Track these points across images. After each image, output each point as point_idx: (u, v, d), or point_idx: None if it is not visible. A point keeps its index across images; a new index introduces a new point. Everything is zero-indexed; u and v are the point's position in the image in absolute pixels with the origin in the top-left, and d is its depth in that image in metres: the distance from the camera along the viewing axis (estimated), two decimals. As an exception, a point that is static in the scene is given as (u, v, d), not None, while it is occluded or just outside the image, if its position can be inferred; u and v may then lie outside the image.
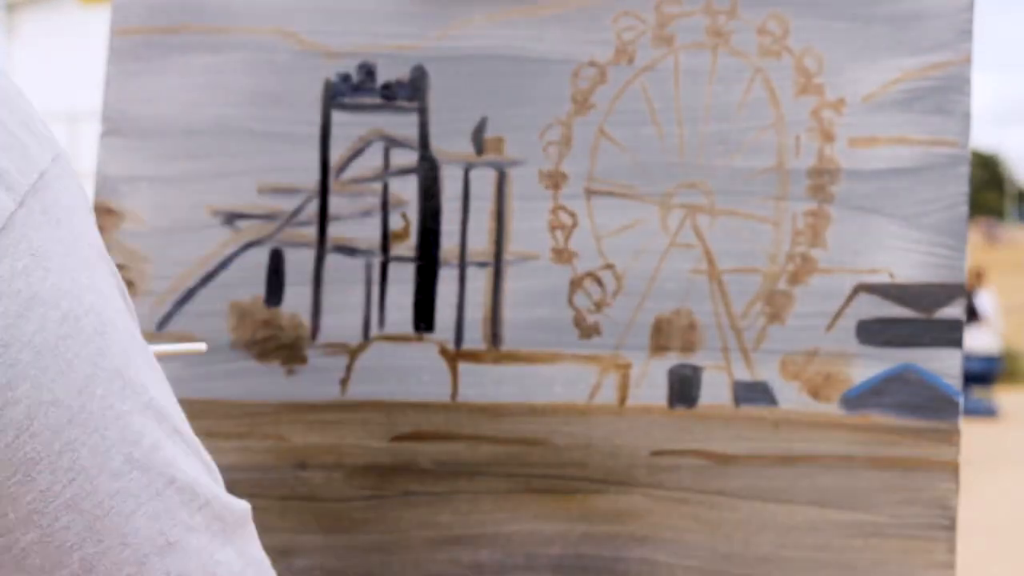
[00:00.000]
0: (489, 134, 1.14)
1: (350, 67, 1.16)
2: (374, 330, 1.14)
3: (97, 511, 0.65)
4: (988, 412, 12.32)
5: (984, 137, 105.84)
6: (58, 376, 0.63)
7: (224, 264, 1.16)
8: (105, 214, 1.18)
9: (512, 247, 1.13)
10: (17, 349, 0.61)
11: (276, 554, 1.14)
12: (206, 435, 1.16)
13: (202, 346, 1.04)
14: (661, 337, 1.10)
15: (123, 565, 0.66)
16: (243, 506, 0.74)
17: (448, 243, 1.14)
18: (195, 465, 0.71)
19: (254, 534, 0.75)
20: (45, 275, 0.63)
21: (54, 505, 0.64)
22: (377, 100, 1.16)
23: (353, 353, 1.14)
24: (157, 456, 0.67)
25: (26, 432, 0.62)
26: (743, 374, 1.09)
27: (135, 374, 0.67)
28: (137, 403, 0.67)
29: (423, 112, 1.15)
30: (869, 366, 1.07)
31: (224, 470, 1.15)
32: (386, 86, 1.16)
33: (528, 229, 1.13)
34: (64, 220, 0.65)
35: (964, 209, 1.07)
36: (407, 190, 1.15)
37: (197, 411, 1.16)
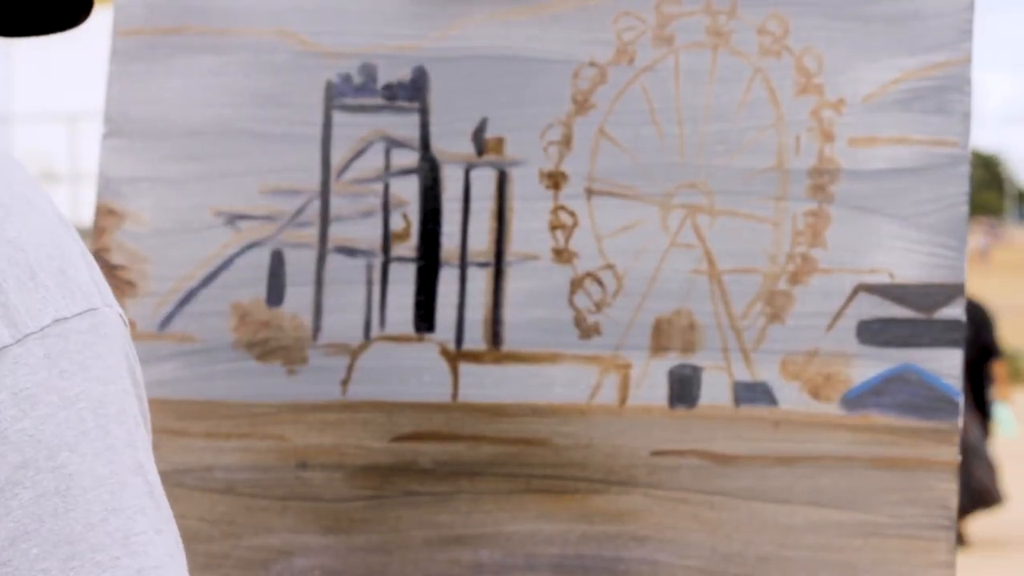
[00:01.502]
0: (489, 134, 1.14)
1: (351, 68, 1.16)
2: (375, 330, 1.14)
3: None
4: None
5: (993, 137, 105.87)
6: (2, 517, 0.62)
7: (225, 265, 1.16)
8: (107, 215, 1.18)
9: (513, 247, 1.13)
10: None
11: (276, 554, 1.14)
12: (206, 435, 1.16)
13: None
14: (661, 337, 1.10)
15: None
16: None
17: (449, 243, 1.14)
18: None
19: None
20: (20, 417, 0.62)
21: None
22: (378, 101, 1.16)
23: (354, 353, 1.14)
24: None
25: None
26: (743, 374, 1.09)
27: (94, 536, 0.63)
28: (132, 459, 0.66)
29: (424, 113, 1.15)
30: (869, 366, 1.07)
31: (225, 470, 1.16)
32: (387, 87, 1.16)
33: (528, 229, 1.13)
34: (73, 373, 0.64)
35: (964, 209, 1.07)
36: (408, 191, 1.15)
37: (198, 411, 1.16)
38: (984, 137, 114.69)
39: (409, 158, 1.15)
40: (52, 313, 0.64)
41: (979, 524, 7.05)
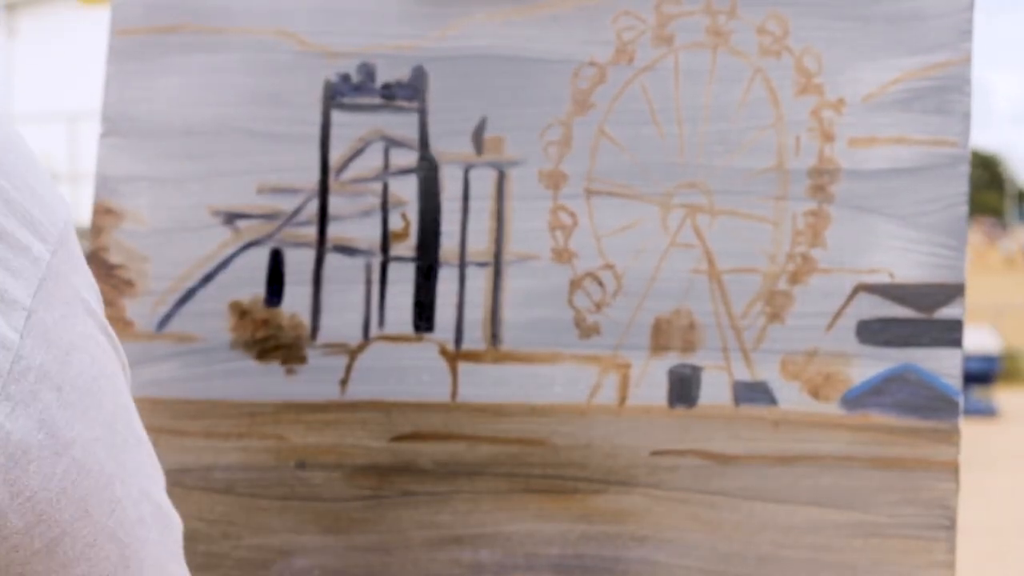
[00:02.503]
0: (489, 134, 1.14)
1: (350, 67, 1.16)
2: (374, 330, 1.14)
3: (127, 539, 0.68)
4: (988, 412, 12.32)
5: (998, 136, 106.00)
6: (96, 415, 0.65)
7: (224, 264, 1.16)
8: (105, 214, 1.18)
9: (512, 247, 1.13)
10: (68, 391, 0.63)
11: (276, 554, 1.14)
12: (205, 434, 1.16)
13: None
14: (661, 337, 1.10)
15: None
16: (180, 524, 0.78)
17: (448, 243, 1.14)
18: (154, 528, 0.73)
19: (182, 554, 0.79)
20: (75, 323, 0.65)
21: (101, 537, 0.66)
22: (377, 100, 1.16)
23: (353, 353, 1.14)
24: (151, 484, 0.71)
25: (83, 470, 0.65)
26: (743, 374, 1.09)
27: (132, 405, 0.70)
28: (136, 435, 0.70)
29: (423, 112, 1.15)
30: (869, 366, 1.07)
31: (224, 470, 1.16)
32: (386, 86, 1.16)
33: (528, 229, 1.13)
34: (80, 266, 0.67)
35: (964, 209, 1.07)
36: (407, 190, 1.15)
37: (197, 411, 1.16)
38: (990, 136, 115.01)
39: (408, 158, 1.15)
40: (60, 222, 0.66)
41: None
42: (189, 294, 1.17)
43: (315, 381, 1.14)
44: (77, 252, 0.68)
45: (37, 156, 0.69)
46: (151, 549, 0.70)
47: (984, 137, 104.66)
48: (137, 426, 0.70)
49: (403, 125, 1.15)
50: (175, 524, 0.76)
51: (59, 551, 0.64)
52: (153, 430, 1.16)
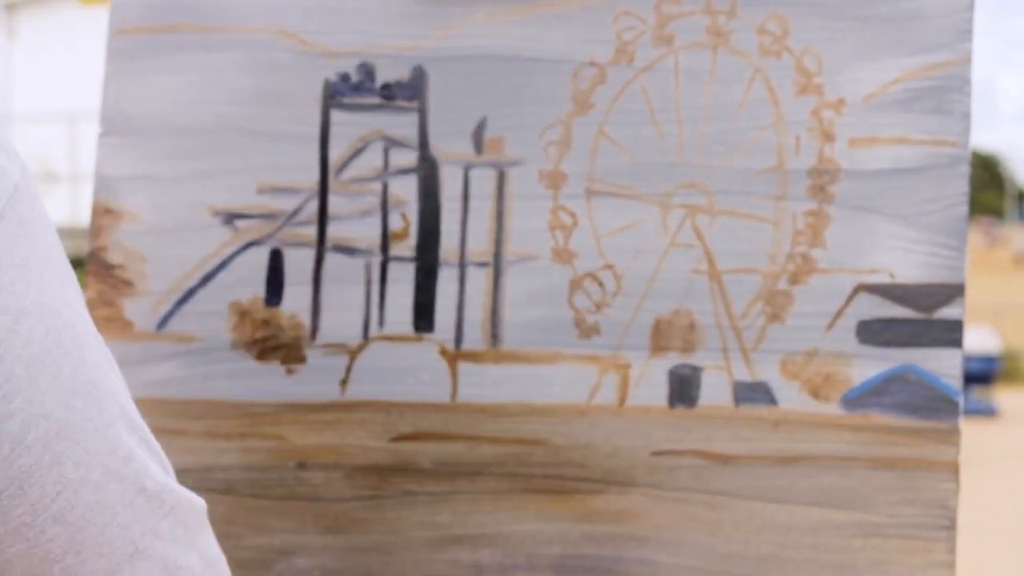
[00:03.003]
0: (489, 134, 1.14)
1: (349, 67, 1.16)
2: (374, 330, 1.14)
3: (79, 523, 0.66)
4: (988, 412, 12.32)
5: (1003, 135, 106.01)
6: (47, 389, 0.64)
7: (224, 264, 1.16)
8: (104, 214, 1.18)
9: (512, 247, 1.13)
10: (11, 362, 0.62)
11: (276, 554, 1.14)
12: (205, 435, 1.16)
13: None
14: (661, 337, 1.10)
15: (98, 573, 0.67)
16: (201, 505, 0.75)
17: (448, 243, 1.14)
18: (159, 473, 0.71)
19: (211, 532, 0.76)
20: (27, 289, 0.64)
21: (42, 518, 0.64)
22: (377, 100, 1.16)
23: (353, 353, 1.14)
24: (130, 467, 0.69)
25: (21, 445, 0.63)
26: (743, 374, 1.09)
27: (108, 384, 0.68)
28: (112, 414, 0.68)
29: (423, 112, 1.15)
30: (869, 366, 1.07)
31: (224, 470, 1.16)
32: (386, 86, 1.16)
33: (528, 229, 1.13)
34: (38, 234, 0.66)
35: (964, 209, 1.07)
36: (407, 190, 1.15)
37: (197, 411, 1.16)
38: (994, 135, 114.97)
39: (408, 157, 1.15)
40: (11, 180, 0.65)
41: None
42: (189, 294, 1.17)
43: (315, 381, 1.14)
44: (36, 220, 0.66)
45: None
46: (115, 534, 0.67)
47: (988, 136, 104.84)
48: (113, 406, 0.68)
49: (403, 125, 1.15)
50: (181, 506, 0.73)
51: None
52: (153, 430, 1.16)
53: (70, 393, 0.65)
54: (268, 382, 1.15)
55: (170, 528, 0.71)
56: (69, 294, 0.67)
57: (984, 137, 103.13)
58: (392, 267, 1.14)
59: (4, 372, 0.62)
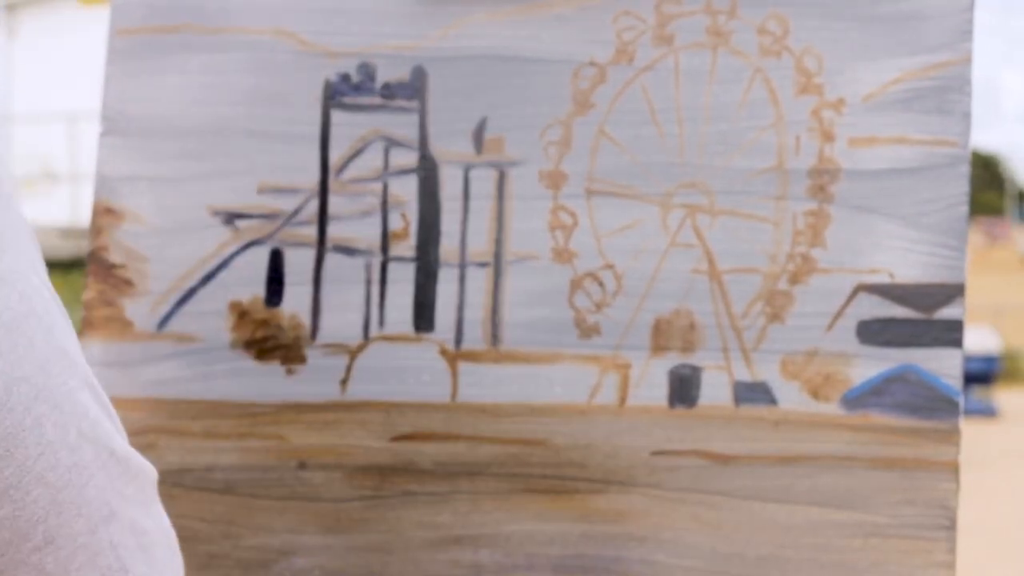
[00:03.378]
0: (489, 134, 1.14)
1: (350, 67, 1.16)
2: (374, 330, 1.14)
3: (59, 483, 0.67)
4: (988, 412, 12.32)
5: (1007, 134, 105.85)
6: (24, 353, 0.65)
7: (224, 264, 1.16)
8: (105, 214, 1.18)
9: (512, 247, 1.13)
10: None
11: (276, 554, 1.14)
12: (205, 434, 1.16)
13: None
14: (661, 337, 1.10)
15: (77, 535, 0.69)
16: (154, 473, 0.77)
17: (448, 243, 1.14)
18: (120, 436, 0.73)
19: (159, 502, 0.77)
20: (1, 256, 0.65)
21: (27, 479, 0.65)
22: (377, 100, 1.16)
23: (353, 353, 1.14)
24: (99, 429, 0.70)
25: (4, 407, 0.64)
26: (743, 374, 1.09)
27: (74, 350, 0.70)
28: (80, 380, 0.69)
29: (423, 112, 1.15)
30: (869, 366, 1.07)
31: (224, 470, 1.16)
32: (386, 86, 1.16)
33: (528, 229, 1.13)
34: (5, 206, 0.67)
35: (964, 209, 1.07)
36: (407, 190, 1.15)
37: (197, 411, 1.16)
38: (997, 135, 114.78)
39: (408, 157, 1.15)
40: None
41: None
42: (189, 294, 1.17)
43: (315, 381, 1.14)
44: (6, 190, 0.68)
45: None
46: (92, 495, 0.69)
47: (991, 136, 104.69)
48: (80, 371, 0.70)
49: (403, 125, 1.15)
50: (142, 472, 0.75)
51: None
52: (153, 430, 1.17)
53: (45, 357, 0.66)
54: (268, 382, 1.15)
55: (134, 492, 0.73)
56: (36, 263, 0.69)
57: (987, 137, 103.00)
58: (392, 267, 1.14)
59: None
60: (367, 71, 1.16)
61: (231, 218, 1.17)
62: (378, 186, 1.15)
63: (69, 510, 0.68)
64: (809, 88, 1.10)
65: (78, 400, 0.69)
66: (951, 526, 1.05)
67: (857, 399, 1.07)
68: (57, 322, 0.69)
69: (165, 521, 0.78)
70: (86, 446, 0.69)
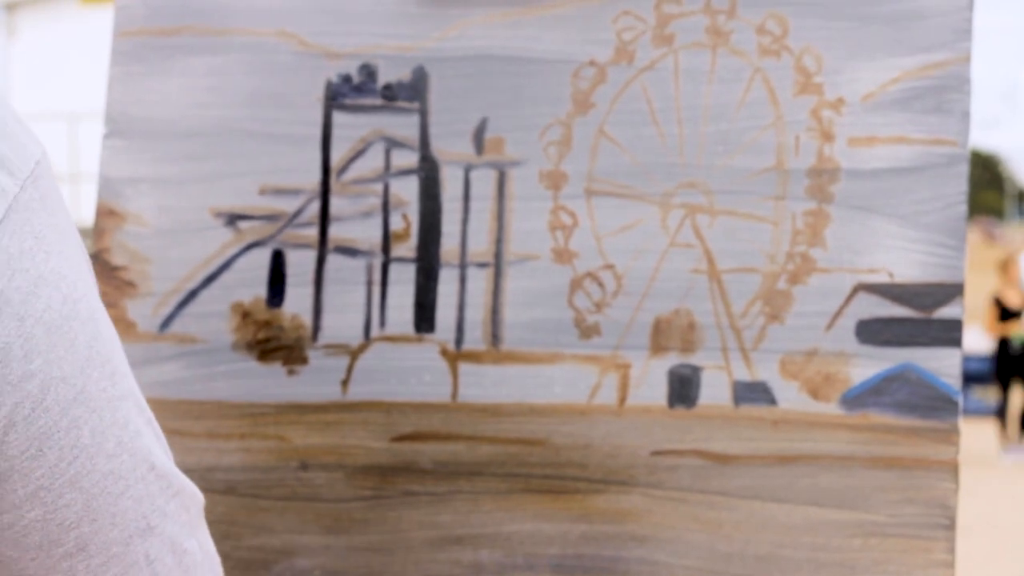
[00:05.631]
0: (489, 134, 1.14)
1: (351, 68, 1.16)
2: (375, 331, 1.14)
3: (94, 490, 0.67)
4: (988, 412, 12.31)
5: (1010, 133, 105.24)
6: (64, 354, 0.65)
7: (226, 265, 1.17)
8: (108, 215, 1.18)
9: (512, 247, 1.13)
10: (31, 324, 0.63)
11: (276, 554, 1.14)
12: (207, 435, 1.16)
13: None
14: (661, 337, 1.10)
15: (111, 544, 0.68)
16: (201, 498, 0.76)
17: (448, 244, 1.14)
18: (163, 456, 0.72)
19: (207, 528, 0.76)
20: (47, 258, 0.65)
21: (59, 482, 0.65)
22: (378, 101, 1.16)
23: (354, 354, 1.14)
24: (140, 442, 0.70)
25: (40, 406, 0.64)
26: (742, 374, 1.09)
27: (120, 362, 0.69)
28: (123, 389, 0.69)
29: (424, 113, 1.15)
30: (868, 366, 1.07)
31: (225, 470, 1.16)
32: (387, 87, 1.16)
33: (528, 229, 1.13)
34: (56, 210, 0.68)
35: (963, 208, 1.07)
36: (408, 191, 1.15)
37: (199, 411, 1.16)
38: (1016, 133, 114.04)
39: (409, 158, 1.15)
40: (33, 157, 0.67)
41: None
42: (191, 295, 1.17)
43: (316, 382, 1.14)
44: (55, 198, 0.68)
45: (7, 98, 0.69)
46: (128, 505, 0.68)
47: (1012, 135, 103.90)
48: (124, 383, 0.69)
49: (404, 126, 1.15)
50: (186, 493, 0.74)
51: (6, 488, 0.64)
52: (155, 430, 1.17)
53: (86, 361, 0.66)
54: (270, 383, 1.15)
55: (176, 511, 0.72)
56: (84, 272, 0.69)
57: (1008, 136, 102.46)
58: (393, 268, 1.15)
59: (25, 332, 0.63)
60: (368, 72, 1.16)
61: (233, 219, 1.17)
62: (379, 187, 1.15)
63: (103, 518, 0.67)
64: (808, 88, 1.10)
65: (119, 408, 0.68)
66: (950, 526, 1.05)
67: (856, 399, 1.07)
68: (103, 331, 0.68)
69: (211, 547, 0.77)
70: (124, 456, 0.68)
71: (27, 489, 0.65)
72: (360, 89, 1.16)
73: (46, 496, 0.65)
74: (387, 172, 1.16)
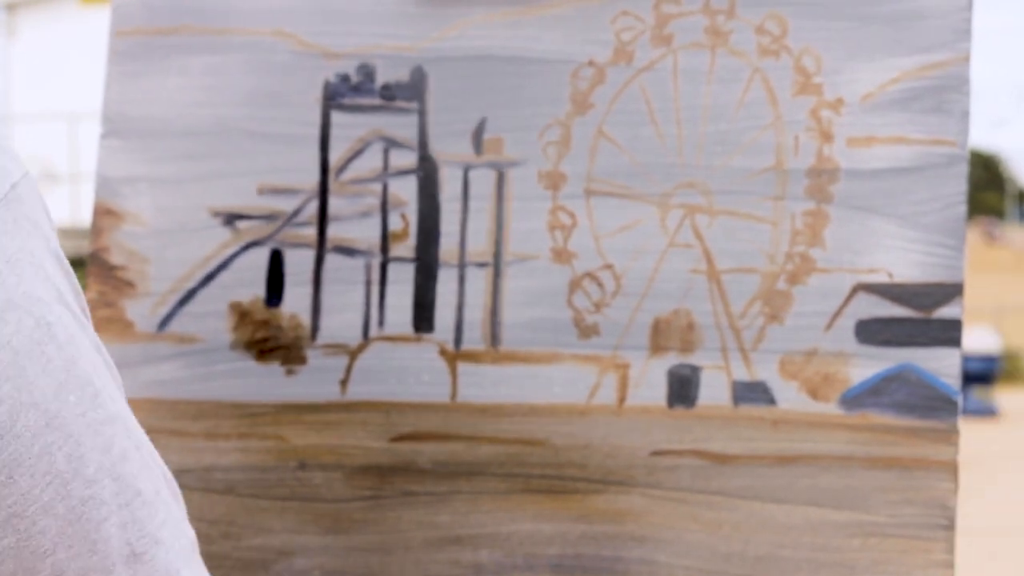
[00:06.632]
0: (488, 135, 1.14)
1: (349, 68, 1.16)
2: (374, 330, 1.14)
3: (70, 516, 0.65)
4: (988, 412, 12.32)
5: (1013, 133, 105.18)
6: (36, 379, 0.64)
7: (224, 265, 1.17)
8: (105, 215, 1.18)
9: (511, 247, 1.13)
10: None
11: (276, 554, 1.14)
12: (205, 435, 1.16)
13: None
14: (660, 337, 1.10)
15: (89, 572, 0.67)
16: (193, 535, 0.74)
17: (447, 243, 1.14)
18: (159, 483, 0.71)
19: (202, 563, 0.75)
20: (18, 281, 0.64)
21: (32, 509, 0.64)
22: (376, 101, 1.16)
23: (353, 353, 1.14)
24: (126, 467, 0.68)
25: (9, 433, 0.63)
26: (742, 374, 1.09)
27: (104, 384, 0.67)
28: (108, 413, 0.68)
29: (422, 113, 1.15)
30: (868, 366, 1.07)
31: (224, 470, 1.16)
32: (385, 87, 1.16)
33: (527, 229, 1.13)
34: (33, 232, 0.66)
35: (962, 209, 1.07)
36: (406, 191, 1.15)
37: (197, 411, 1.16)
38: (1015, 132, 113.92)
39: (407, 158, 1.15)
40: (10, 179, 0.66)
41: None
42: (189, 295, 1.17)
43: (315, 382, 1.14)
44: (34, 217, 0.67)
45: None
46: (111, 532, 0.67)
47: (1017, 134, 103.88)
48: (110, 407, 0.68)
49: (402, 126, 1.15)
50: (183, 524, 0.72)
51: None
52: (153, 431, 1.16)
53: (62, 385, 0.65)
54: (268, 382, 1.15)
55: (170, 539, 0.71)
56: (67, 297, 0.68)
57: (1016, 135, 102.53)
58: (392, 268, 1.15)
59: None
60: (367, 72, 1.16)
61: (231, 219, 1.17)
62: (378, 187, 1.15)
63: (81, 544, 0.66)
64: (807, 88, 1.10)
65: (100, 433, 0.67)
66: (950, 526, 1.05)
67: (856, 399, 1.07)
68: (84, 354, 0.67)
69: None
70: (106, 480, 0.67)
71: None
72: (359, 89, 1.16)
73: (19, 523, 0.64)
74: (386, 172, 1.16)
